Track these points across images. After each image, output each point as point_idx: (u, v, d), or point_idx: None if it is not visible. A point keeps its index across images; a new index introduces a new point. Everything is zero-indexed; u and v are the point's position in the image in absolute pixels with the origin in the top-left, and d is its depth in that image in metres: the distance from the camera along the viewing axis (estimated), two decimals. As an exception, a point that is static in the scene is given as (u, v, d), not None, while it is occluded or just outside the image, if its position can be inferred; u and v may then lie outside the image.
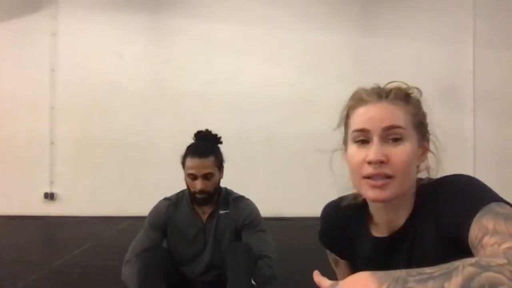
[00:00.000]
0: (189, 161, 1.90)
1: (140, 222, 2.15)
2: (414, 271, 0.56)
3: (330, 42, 5.00)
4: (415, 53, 4.99)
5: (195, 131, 2.05)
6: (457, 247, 0.70)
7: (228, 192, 2.06)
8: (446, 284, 0.52)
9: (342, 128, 0.92)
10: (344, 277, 0.97)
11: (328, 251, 1.07)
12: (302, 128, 4.68)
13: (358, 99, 0.85)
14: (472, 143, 5.00)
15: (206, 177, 1.89)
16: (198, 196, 1.90)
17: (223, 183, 2.05)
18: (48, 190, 4.93)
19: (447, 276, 0.53)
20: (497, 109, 5.03)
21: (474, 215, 0.68)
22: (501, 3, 5.05)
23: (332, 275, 0.68)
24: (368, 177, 0.80)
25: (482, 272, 0.52)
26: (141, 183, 4.80)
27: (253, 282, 1.82)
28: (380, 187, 0.79)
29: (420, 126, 0.85)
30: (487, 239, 0.63)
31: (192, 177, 1.89)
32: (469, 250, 0.67)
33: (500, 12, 5.03)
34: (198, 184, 1.88)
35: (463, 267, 0.53)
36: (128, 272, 1.89)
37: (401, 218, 0.86)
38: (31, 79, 4.97)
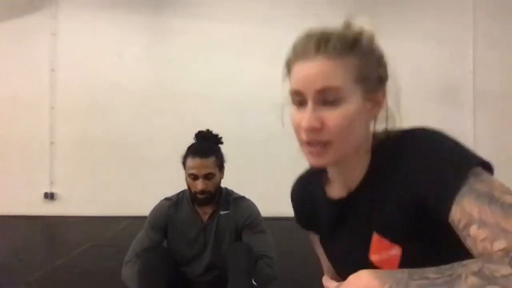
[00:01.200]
0: (190, 161, 1.90)
1: (140, 222, 2.16)
2: (416, 274, 0.56)
3: (330, 42, 4.99)
4: (415, 53, 4.99)
5: (195, 131, 2.05)
6: (424, 214, 0.67)
7: (228, 193, 2.06)
8: None
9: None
10: (323, 257, 0.95)
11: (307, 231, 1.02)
12: (302, 128, 4.66)
13: (295, 52, 0.77)
14: (472, 143, 5.00)
15: (207, 177, 1.89)
16: (199, 196, 1.90)
17: (223, 183, 2.05)
18: (48, 190, 4.92)
19: (450, 285, 0.52)
20: (497, 109, 5.03)
21: (454, 192, 0.63)
22: (501, 3, 5.05)
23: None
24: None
25: (486, 285, 0.50)
26: (141, 183, 4.79)
27: (253, 282, 1.83)
28: (317, 155, 0.74)
29: (367, 79, 0.74)
30: (475, 230, 0.60)
31: (193, 177, 1.90)
32: (439, 220, 0.64)
33: (500, 12, 5.03)
34: (199, 184, 1.88)
35: (466, 277, 0.52)
36: (129, 272, 1.90)
37: (356, 177, 0.80)
38: (31, 79, 4.97)
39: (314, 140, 0.73)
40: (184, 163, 1.95)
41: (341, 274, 0.86)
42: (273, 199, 4.32)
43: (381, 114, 0.78)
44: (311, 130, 0.72)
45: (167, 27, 5.05)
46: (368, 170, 0.79)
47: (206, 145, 1.98)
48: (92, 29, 4.97)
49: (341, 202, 0.84)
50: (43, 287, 2.67)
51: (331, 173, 0.86)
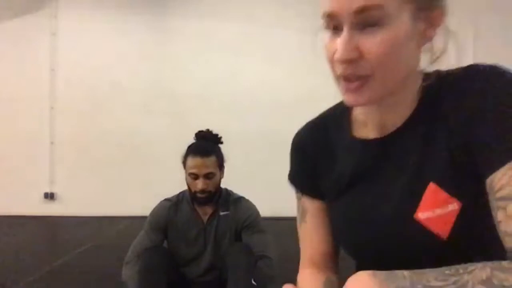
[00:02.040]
0: (191, 161, 1.90)
1: (140, 222, 2.15)
2: (418, 280, 0.51)
3: (330, 42, 4.99)
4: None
5: (195, 131, 2.05)
6: (471, 169, 0.59)
7: (228, 193, 2.06)
8: None
9: None
10: (309, 237, 0.82)
11: (297, 198, 0.86)
12: (302, 128, 4.66)
13: None
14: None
15: (208, 176, 1.89)
16: (199, 195, 1.90)
17: (224, 183, 2.05)
18: (48, 190, 4.92)
19: None
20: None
21: (509, 155, 0.54)
22: (502, 3, 5.05)
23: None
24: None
25: None
26: (141, 183, 4.79)
27: (253, 282, 1.83)
28: (354, 91, 0.61)
29: None
30: None
31: (193, 176, 1.89)
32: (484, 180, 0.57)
33: (501, 12, 5.03)
34: (200, 184, 1.88)
35: (472, 285, 0.48)
36: (129, 272, 1.90)
37: (398, 118, 0.67)
38: (31, 79, 4.97)
39: (351, 74, 0.60)
40: (184, 163, 1.95)
41: (359, 241, 0.71)
42: (273, 199, 4.33)
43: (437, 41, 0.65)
44: (347, 62, 0.59)
45: (167, 27, 5.05)
46: (416, 109, 0.66)
47: (207, 145, 1.98)
48: (92, 29, 4.97)
49: (378, 141, 0.68)
50: (43, 287, 2.67)
51: (363, 112, 0.71)
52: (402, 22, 0.58)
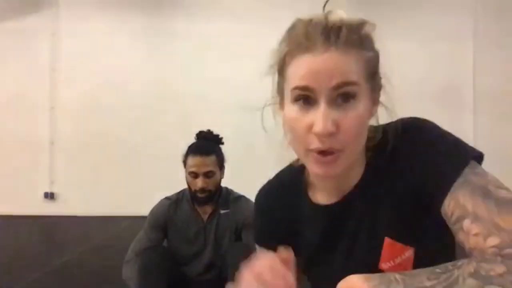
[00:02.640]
0: (191, 159, 1.90)
1: (140, 222, 2.16)
2: (411, 283, 0.54)
3: (330, 42, 4.98)
4: (414, 53, 4.99)
5: (196, 131, 2.06)
6: (430, 209, 0.65)
7: (228, 192, 2.06)
8: None
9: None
10: None
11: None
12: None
13: (298, 43, 0.65)
14: (472, 143, 4.97)
15: (207, 175, 1.89)
16: (199, 195, 1.90)
17: (224, 184, 2.05)
18: (48, 190, 4.92)
19: None
20: (498, 109, 5.03)
21: (448, 184, 0.61)
22: (502, 3, 5.05)
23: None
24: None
25: (483, 286, 0.50)
26: (141, 183, 4.79)
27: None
28: (328, 164, 0.64)
29: (374, 75, 0.67)
30: (468, 224, 0.58)
31: (193, 175, 1.90)
32: (439, 216, 0.63)
33: (501, 12, 5.03)
34: (199, 182, 1.88)
35: (463, 279, 0.52)
36: (129, 271, 1.90)
37: (351, 181, 0.73)
38: (31, 79, 4.97)
39: (329, 148, 0.62)
40: (184, 162, 1.95)
41: None
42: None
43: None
44: (327, 136, 0.61)
45: (167, 27, 5.05)
46: (365, 170, 0.73)
47: (207, 144, 1.98)
48: (93, 29, 4.97)
49: (336, 207, 0.74)
50: (43, 287, 2.67)
51: (321, 181, 0.76)
52: (365, 100, 0.64)
